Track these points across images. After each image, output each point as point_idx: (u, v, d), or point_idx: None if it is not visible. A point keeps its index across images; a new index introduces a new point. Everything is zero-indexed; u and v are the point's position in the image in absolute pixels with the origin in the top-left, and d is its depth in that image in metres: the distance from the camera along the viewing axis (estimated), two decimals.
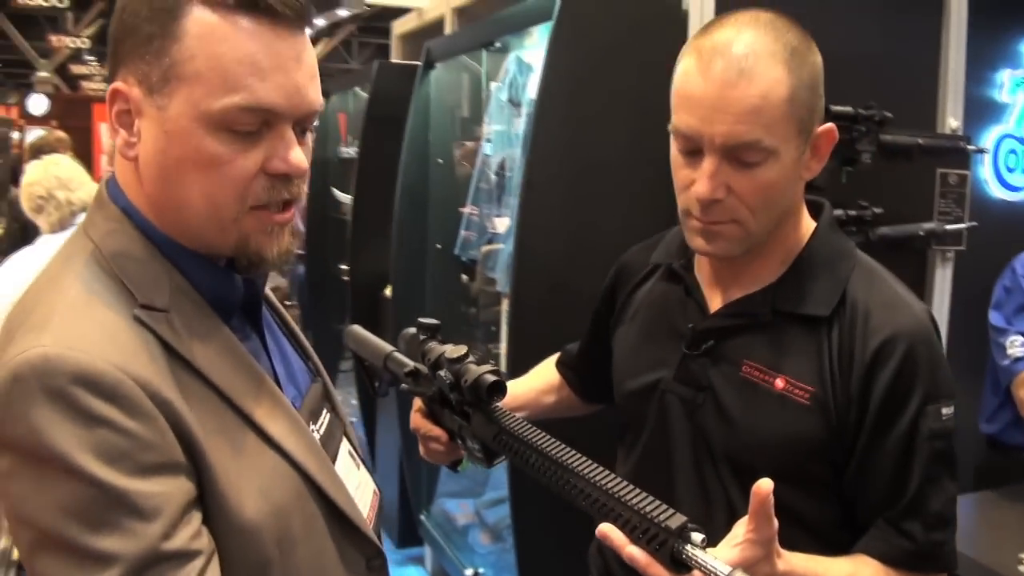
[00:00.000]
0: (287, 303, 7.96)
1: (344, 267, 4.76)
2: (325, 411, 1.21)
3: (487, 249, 3.52)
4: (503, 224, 3.34)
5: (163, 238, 1.02)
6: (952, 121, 2.83)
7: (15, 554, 3.15)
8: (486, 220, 3.55)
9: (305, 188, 1.06)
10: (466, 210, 3.62)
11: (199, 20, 0.95)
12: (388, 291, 3.96)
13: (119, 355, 0.90)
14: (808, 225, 1.39)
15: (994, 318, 2.72)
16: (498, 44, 3.40)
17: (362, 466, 1.24)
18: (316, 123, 1.14)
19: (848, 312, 1.30)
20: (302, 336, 1.28)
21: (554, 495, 1.12)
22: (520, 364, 1.94)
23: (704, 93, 1.23)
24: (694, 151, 1.27)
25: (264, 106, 0.97)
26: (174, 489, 0.90)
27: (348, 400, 5.39)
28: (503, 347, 3.22)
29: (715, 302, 1.41)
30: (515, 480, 2.63)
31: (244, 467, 0.98)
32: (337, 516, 1.08)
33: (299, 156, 1.01)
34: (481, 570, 3.36)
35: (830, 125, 1.32)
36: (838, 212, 2.68)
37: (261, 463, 1.00)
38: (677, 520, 0.98)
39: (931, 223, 2.81)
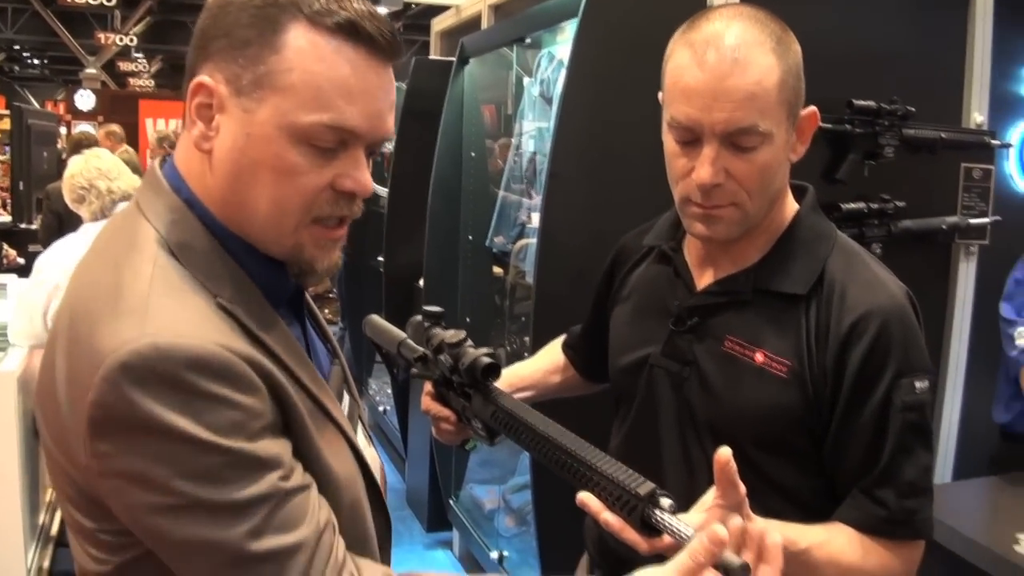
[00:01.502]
0: (328, 295, 8.07)
1: (380, 259, 4.84)
2: (344, 392, 1.27)
3: (521, 243, 3.57)
4: (537, 218, 3.39)
5: (223, 230, 1.05)
6: (977, 116, 2.85)
7: (53, 530, 3.27)
8: (518, 213, 3.60)
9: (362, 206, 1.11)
10: (499, 193, 3.67)
11: (301, 36, 0.98)
12: (422, 282, 4.03)
13: (222, 336, 0.95)
14: (792, 208, 1.44)
15: (1004, 310, 2.71)
16: (529, 40, 3.45)
17: (371, 442, 1.31)
18: None
19: (825, 290, 1.35)
20: (322, 319, 1.34)
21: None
22: None
23: (701, 83, 1.28)
24: (691, 141, 1.32)
25: (348, 127, 1.01)
26: (282, 444, 0.98)
27: (384, 389, 5.48)
28: None
29: (702, 281, 1.46)
30: (536, 465, 2.68)
31: (324, 440, 1.05)
32: (374, 494, 1.15)
33: (367, 178, 1.06)
34: (506, 553, 3.43)
35: (812, 108, 1.37)
36: (860, 205, 2.71)
37: (333, 439, 1.08)
38: (647, 487, 1.03)
39: (954, 217, 2.83)
